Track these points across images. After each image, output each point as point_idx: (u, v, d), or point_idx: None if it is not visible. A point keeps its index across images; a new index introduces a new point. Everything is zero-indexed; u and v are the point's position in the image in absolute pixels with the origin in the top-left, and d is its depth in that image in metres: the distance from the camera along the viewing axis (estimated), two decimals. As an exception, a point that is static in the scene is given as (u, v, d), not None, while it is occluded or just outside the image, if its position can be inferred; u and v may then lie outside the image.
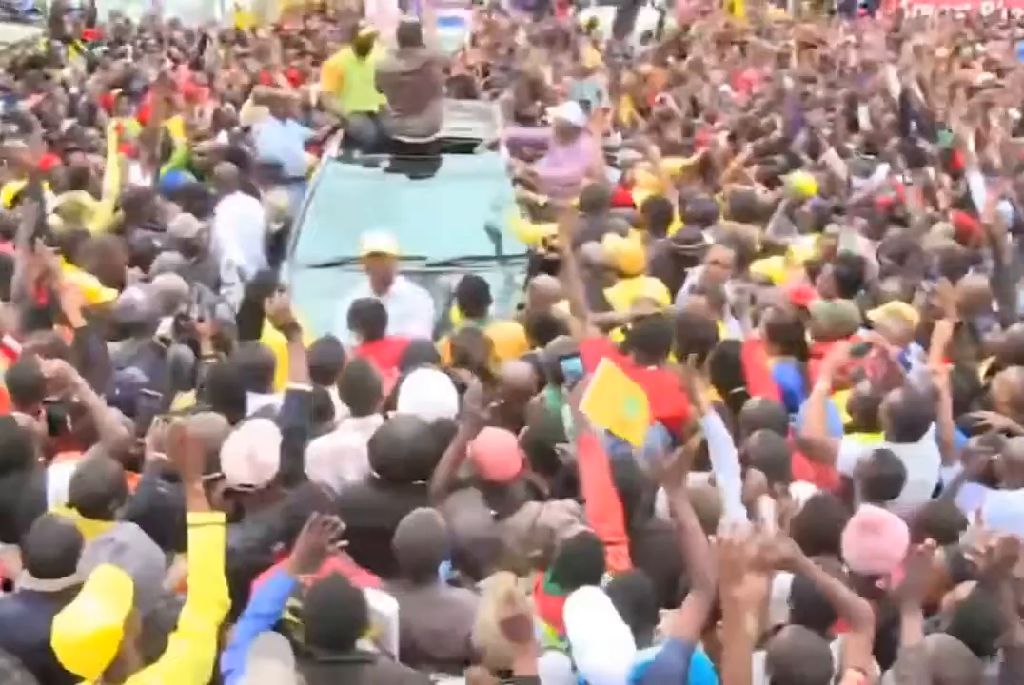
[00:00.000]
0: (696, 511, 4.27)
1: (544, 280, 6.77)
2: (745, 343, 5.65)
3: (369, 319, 6.06)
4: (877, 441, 5.09)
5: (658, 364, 5.65)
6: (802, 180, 8.64)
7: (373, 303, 6.23)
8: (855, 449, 4.97)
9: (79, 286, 6.03)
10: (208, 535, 3.70)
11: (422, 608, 4.04)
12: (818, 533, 4.23)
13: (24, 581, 4.03)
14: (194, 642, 3.55)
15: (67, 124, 10.89)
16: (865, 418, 5.24)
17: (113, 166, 7.80)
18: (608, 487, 4.42)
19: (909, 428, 4.98)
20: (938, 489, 5.04)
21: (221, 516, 3.80)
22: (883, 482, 4.66)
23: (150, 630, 3.56)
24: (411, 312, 6.59)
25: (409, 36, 8.63)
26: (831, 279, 6.64)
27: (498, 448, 4.69)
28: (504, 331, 6.08)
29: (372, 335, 6.02)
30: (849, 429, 5.40)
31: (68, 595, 3.78)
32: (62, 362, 5.11)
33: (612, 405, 4.48)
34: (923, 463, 4.98)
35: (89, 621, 3.37)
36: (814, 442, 5.11)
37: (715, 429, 4.78)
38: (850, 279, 6.65)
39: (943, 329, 5.94)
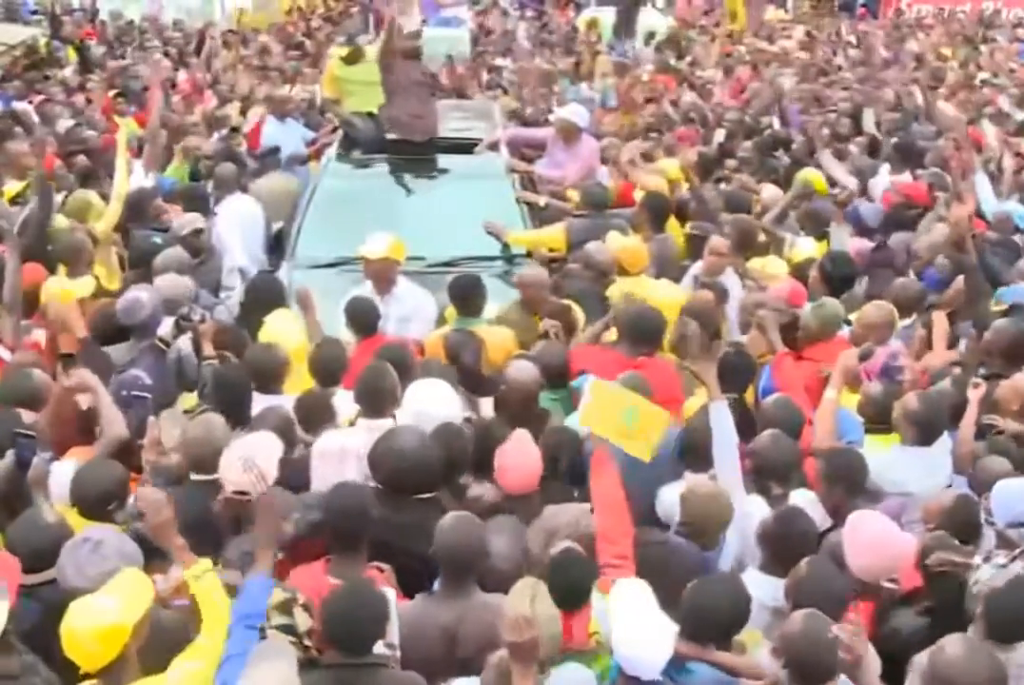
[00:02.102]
0: (702, 516, 4.38)
1: (531, 271, 6.81)
2: (778, 356, 5.75)
3: (359, 317, 6.06)
4: (887, 446, 5.11)
5: (646, 354, 5.66)
6: (812, 174, 8.64)
7: (364, 301, 6.22)
8: (870, 459, 4.92)
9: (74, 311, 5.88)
10: (207, 582, 3.83)
11: (467, 615, 3.99)
12: (787, 548, 4.23)
13: None
14: (198, 669, 3.59)
15: (67, 125, 10.87)
16: (877, 420, 5.26)
17: (122, 167, 7.80)
18: (620, 506, 4.33)
19: (924, 432, 4.99)
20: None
21: (208, 562, 3.91)
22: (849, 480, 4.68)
23: (152, 636, 3.61)
24: (413, 313, 6.61)
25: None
26: (818, 277, 6.67)
27: (520, 464, 4.64)
28: (493, 334, 6.06)
29: (365, 332, 6.02)
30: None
31: (48, 588, 3.95)
32: (85, 371, 5.14)
33: (611, 418, 4.39)
34: (934, 467, 4.99)
35: (103, 616, 3.44)
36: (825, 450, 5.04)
37: (721, 414, 4.75)
38: (837, 277, 6.65)
39: (941, 323, 5.97)
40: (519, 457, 4.65)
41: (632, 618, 3.63)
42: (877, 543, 4.19)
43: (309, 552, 4.23)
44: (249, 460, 4.35)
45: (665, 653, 3.58)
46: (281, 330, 5.94)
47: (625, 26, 17.15)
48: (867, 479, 4.78)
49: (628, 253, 6.90)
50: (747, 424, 5.12)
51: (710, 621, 3.78)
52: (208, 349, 5.69)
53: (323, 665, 3.64)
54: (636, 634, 3.58)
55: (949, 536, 4.32)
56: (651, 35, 17.60)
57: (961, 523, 4.41)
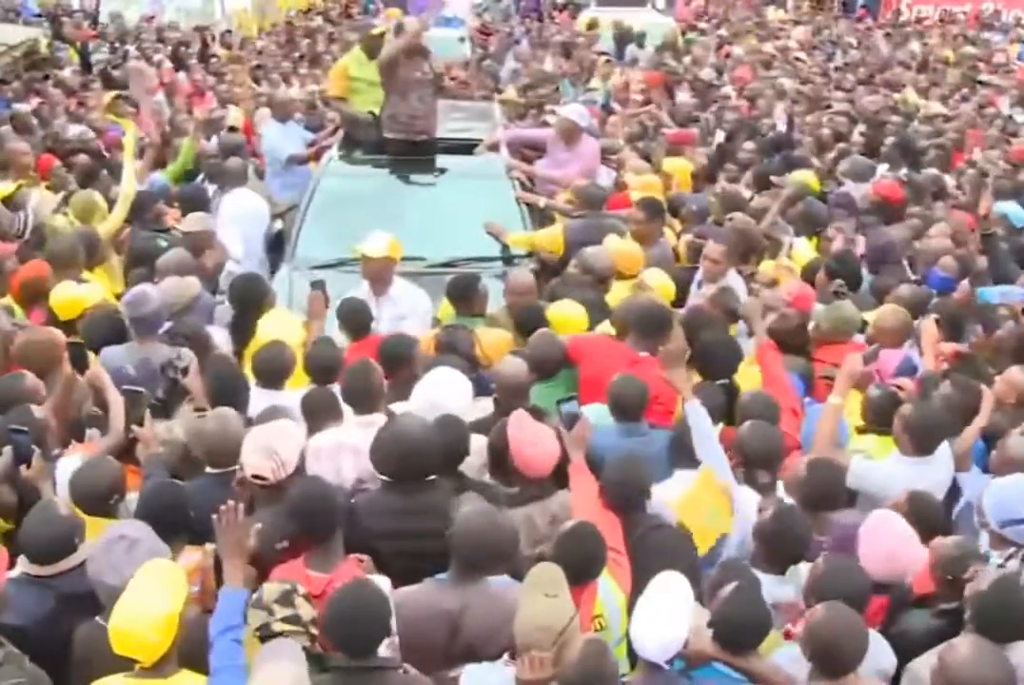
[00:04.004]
0: None
1: (519, 273, 6.82)
2: (758, 347, 5.75)
3: (351, 318, 6.09)
4: (886, 451, 5.12)
5: (651, 350, 5.66)
6: (806, 176, 8.65)
7: (356, 302, 6.24)
8: (865, 465, 4.98)
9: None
10: None
11: (473, 603, 4.01)
12: (784, 546, 4.28)
13: (21, 565, 4.14)
14: None
15: (69, 128, 10.89)
16: (878, 422, 5.29)
17: (129, 171, 7.81)
18: (600, 511, 4.45)
19: (920, 442, 4.99)
20: (951, 494, 5.06)
21: None
22: (819, 494, 4.64)
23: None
24: (409, 313, 6.60)
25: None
26: (825, 278, 6.69)
27: (539, 450, 4.66)
28: (491, 333, 6.07)
29: (357, 333, 6.05)
30: (862, 431, 5.41)
31: (61, 579, 4.01)
32: (99, 367, 5.25)
33: (700, 510, 4.55)
34: (933, 476, 4.99)
35: (155, 606, 3.47)
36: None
37: (697, 414, 4.87)
38: (844, 277, 6.67)
39: (930, 330, 5.99)
40: (539, 443, 4.66)
41: (656, 601, 3.69)
42: (894, 552, 4.18)
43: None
44: (271, 448, 4.37)
45: (673, 641, 3.61)
46: (277, 330, 5.92)
47: (618, 47, 17.33)
48: (844, 493, 4.80)
49: (624, 256, 6.92)
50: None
51: (746, 629, 3.79)
52: (196, 400, 5.36)
53: (330, 667, 3.63)
54: (652, 615, 3.64)
55: (972, 542, 4.34)
56: (642, 36, 17.62)
57: (924, 520, 4.44)
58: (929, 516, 4.53)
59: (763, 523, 4.34)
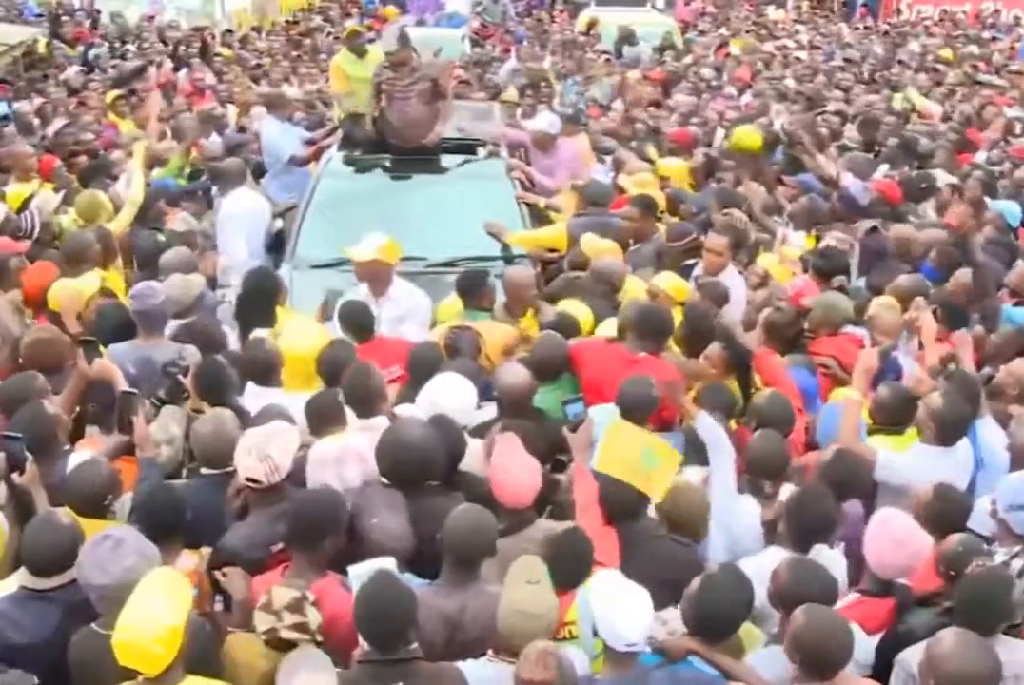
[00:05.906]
0: (679, 508, 4.48)
1: (517, 270, 6.82)
2: (756, 356, 5.70)
3: (354, 321, 6.06)
4: (903, 444, 5.14)
5: (650, 350, 5.67)
6: (740, 131, 8.59)
7: (357, 305, 6.22)
8: (890, 456, 4.99)
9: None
10: None
11: (471, 604, 4.01)
12: (810, 522, 4.30)
13: (19, 579, 4.06)
14: None
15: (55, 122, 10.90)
16: (888, 419, 5.30)
17: (139, 174, 7.81)
18: (597, 518, 4.44)
19: (947, 432, 5.00)
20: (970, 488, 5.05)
21: None
22: (841, 481, 4.66)
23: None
24: (408, 313, 6.60)
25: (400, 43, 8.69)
26: (814, 275, 6.71)
27: (518, 481, 4.53)
28: (497, 331, 6.06)
29: (362, 336, 6.02)
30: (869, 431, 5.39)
31: (63, 591, 3.93)
32: (107, 362, 5.23)
33: (627, 459, 4.48)
34: (956, 466, 5.00)
35: (160, 618, 3.41)
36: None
37: (708, 428, 4.90)
38: (827, 272, 6.70)
39: (929, 323, 5.99)
40: (514, 472, 4.54)
41: (614, 590, 3.72)
42: (902, 542, 4.18)
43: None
44: (265, 451, 4.36)
45: (638, 623, 3.64)
46: (303, 331, 5.88)
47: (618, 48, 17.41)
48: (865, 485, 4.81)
49: (603, 253, 6.91)
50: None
51: (717, 616, 3.80)
52: (194, 402, 5.35)
53: (359, 661, 3.66)
54: (615, 599, 3.68)
55: (976, 539, 4.34)
56: (631, 35, 17.63)
57: (949, 513, 4.45)
58: (954, 509, 4.51)
59: (791, 500, 4.35)
